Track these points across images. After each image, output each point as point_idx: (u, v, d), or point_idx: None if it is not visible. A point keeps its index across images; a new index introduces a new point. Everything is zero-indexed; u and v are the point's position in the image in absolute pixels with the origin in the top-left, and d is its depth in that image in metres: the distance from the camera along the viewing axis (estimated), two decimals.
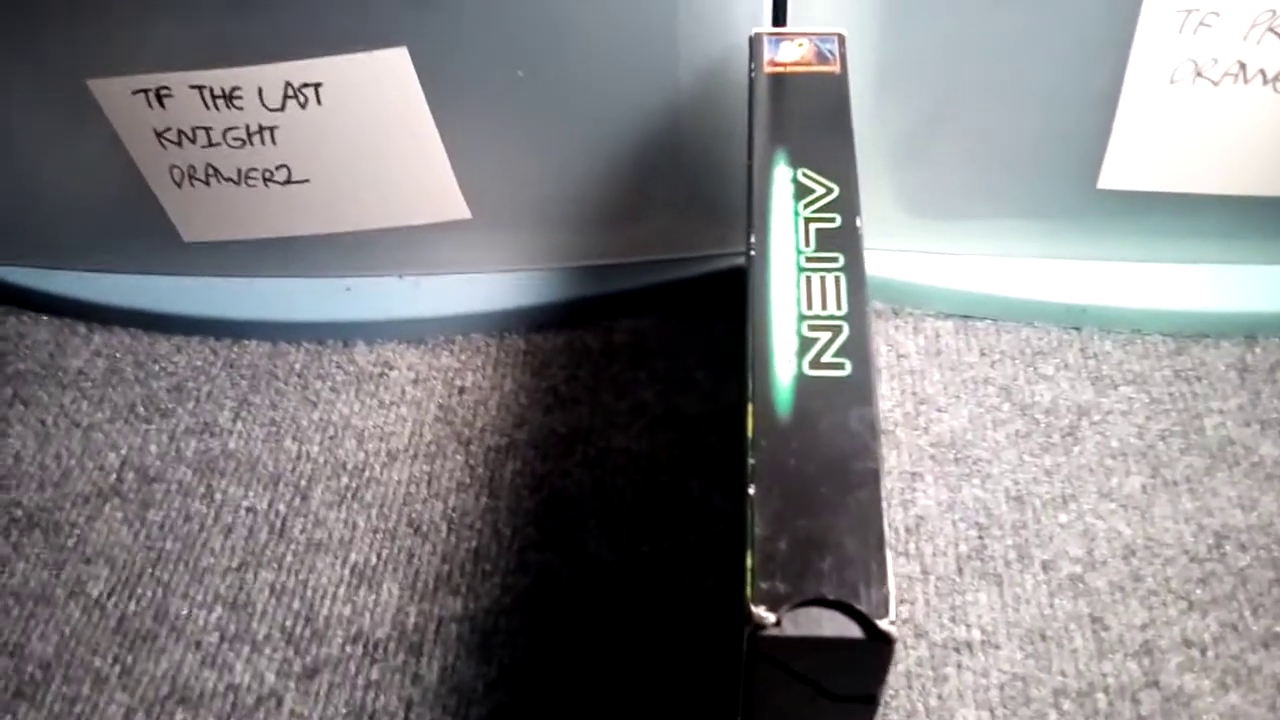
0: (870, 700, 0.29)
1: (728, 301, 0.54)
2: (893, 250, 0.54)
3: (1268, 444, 0.48)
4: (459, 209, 0.51)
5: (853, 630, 0.26)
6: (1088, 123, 0.48)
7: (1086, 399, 0.50)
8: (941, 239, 0.53)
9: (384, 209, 0.51)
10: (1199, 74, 0.45)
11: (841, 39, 0.42)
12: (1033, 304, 0.53)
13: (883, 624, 0.26)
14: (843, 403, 0.30)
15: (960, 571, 0.45)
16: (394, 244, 0.53)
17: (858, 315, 0.33)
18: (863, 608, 0.26)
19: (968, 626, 0.43)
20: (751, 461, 0.29)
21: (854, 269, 0.34)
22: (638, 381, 0.52)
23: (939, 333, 0.53)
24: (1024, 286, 0.53)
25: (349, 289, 0.55)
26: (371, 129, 0.48)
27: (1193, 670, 0.42)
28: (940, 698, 0.41)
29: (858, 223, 0.35)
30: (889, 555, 0.27)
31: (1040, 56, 0.46)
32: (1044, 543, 0.45)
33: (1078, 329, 0.53)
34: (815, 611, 0.27)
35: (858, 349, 0.32)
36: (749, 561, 0.27)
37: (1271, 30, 0.44)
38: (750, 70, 0.42)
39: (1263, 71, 0.45)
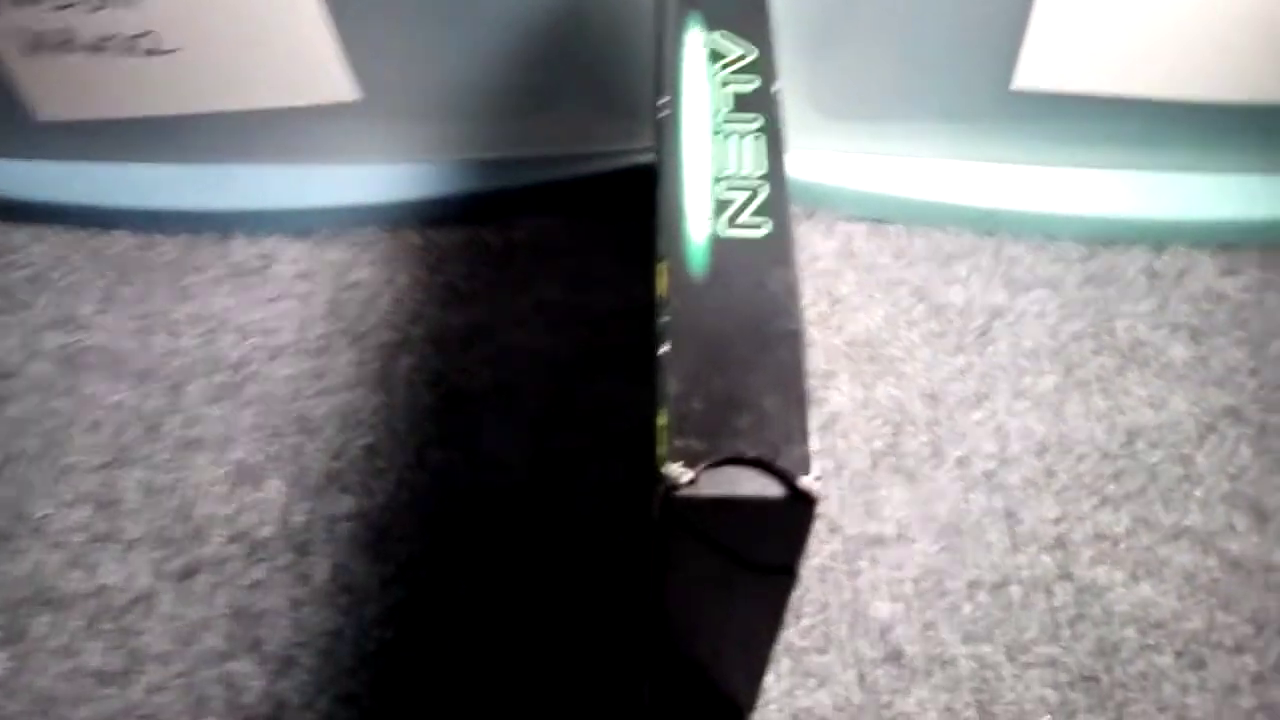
0: (788, 571, 0.27)
1: (637, 201, 0.52)
2: (804, 150, 0.52)
3: (1177, 346, 0.48)
4: (347, 90, 0.47)
5: (773, 489, 0.24)
6: (1004, 16, 0.46)
7: (999, 301, 0.49)
8: (854, 139, 0.52)
9: (264, 87, 0.47)
10: None
11: None
12: (946, 208, 0.52)
13: (804, 482, 0.24)
14: (761, 263, 0.28)
15: (874, 467, 0.43)
16: (277, 128, 0.49)
17: (777, 176, 0.31)
18: (783, 465, 0.24)
19: (881, 521, 0.42)
20: (664, 319, 0.27)
21: (773, 130, 0.32)
22: (541, 278, 0.49)
23: (851, 236, 0.52)
24: (937, 190, 0.52)
25: (227, 176, 0.51)
26: None
27: (1105, 563, 0.41)
28: (854, 591, 0.40)
29: (775, 87, 0.33)
30: (810, 414, 0.26)
31: None
32: (958, 440, 0.45)
33: (990, 233, 0.52)
34: (733, 470, 0.25)
35: (777, 209, 0.30)
36: (661, 420, 0.25)
37: None
38: None
39: None
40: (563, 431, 0.44)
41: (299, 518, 0.41)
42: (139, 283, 0.49)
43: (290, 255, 0.50)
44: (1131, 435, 0.45)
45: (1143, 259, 0.52)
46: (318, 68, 0.46)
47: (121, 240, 0.50)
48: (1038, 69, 0.47)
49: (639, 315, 0.48)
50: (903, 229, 0.52)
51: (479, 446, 0.43)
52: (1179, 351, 0.48)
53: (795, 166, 0.55)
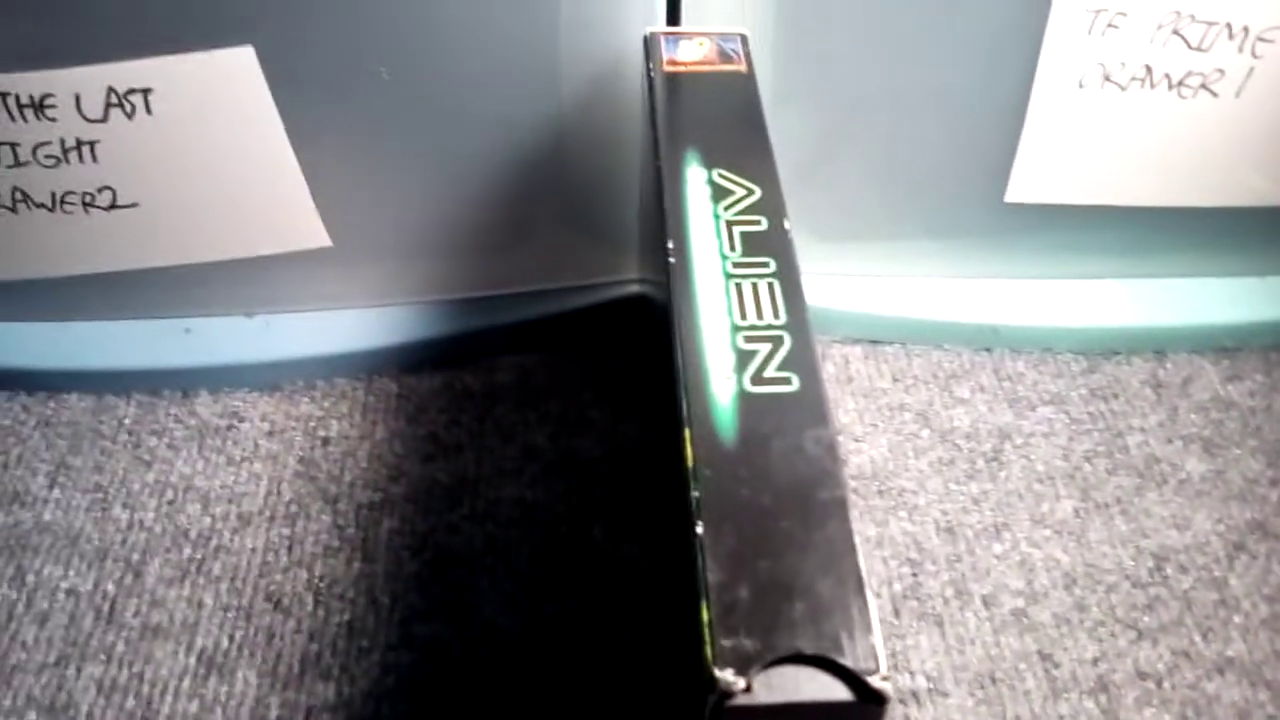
0: None
1: (621, 334, 0.50)
2: None
3: (1192, 460, 0.46)
4: (317, 236, 0.45)
5: (839, 691, 0.22)
6: (995, 132, 0.45)
7: (1006, 422, 0.47)
8: (847, 261, 0.50)
9: (228, 237, 0.45)
10: (1107, 78, 0.44)
11: (744, 38, 0.39)
12: (943, 326, 0.50)
13: (874, 681, 0.21)
14: (794, 422, 0.26)
15: (897, 613, 0.41)
16: (241, 278, 0.46)
17: (798, 324, 0.29)
18: (848, 662, 0.22)
19: (912, 674, 0.39)
20: (696, 494, 0.24)
21: (788, 273, 0.30)
22: (527, 424, 0.46)
23: (848, 359, 0.50)
24: (934, 308, 0.50)
25: (188, 331, 0.47)
26: (212, 143, 0.41)
27: (1151, 704, 0.38)
28: None
29: (786, 225, 0.31)
30: (871, 597, 0.23)
31: (947, 61, 0.43)
32: (981, 576, 0.42)
33: (989, 350, 0.50)
34: (791, 670, 0.22)
35: (804, 361, 0.27)
36: (705, 615, 0.22)
37: (1176, 33, 0.42)
38: (648, 70, 0.38)
39: (1168, 76, 0.44)
40: (558, 593, 0.41)
41: (274, 712, 0.37)
42: (93, 451, 0.45)
43: (259, 412, 0.47)
44: (1159, 560, 0.43)
45: (1146, 369, 0.50)
46: (288, 216, 0.44)
47: (73, 405, 0.47)
48: (1031, 182, 0.46)
49: (628, 458, 0.45)
50: (900, 349, 0.50)
51: (470, 616, 0.40)
52: (1195, 466, 0.46)
53: None
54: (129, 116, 0.40)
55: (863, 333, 0.50)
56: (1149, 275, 0.51)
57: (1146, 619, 0.41)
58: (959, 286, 0.50)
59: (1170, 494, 0.45)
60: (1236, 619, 0.41)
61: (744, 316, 0.28)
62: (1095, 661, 0.40)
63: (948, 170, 0.47)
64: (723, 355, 0.27)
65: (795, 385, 0.27)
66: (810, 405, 0.26)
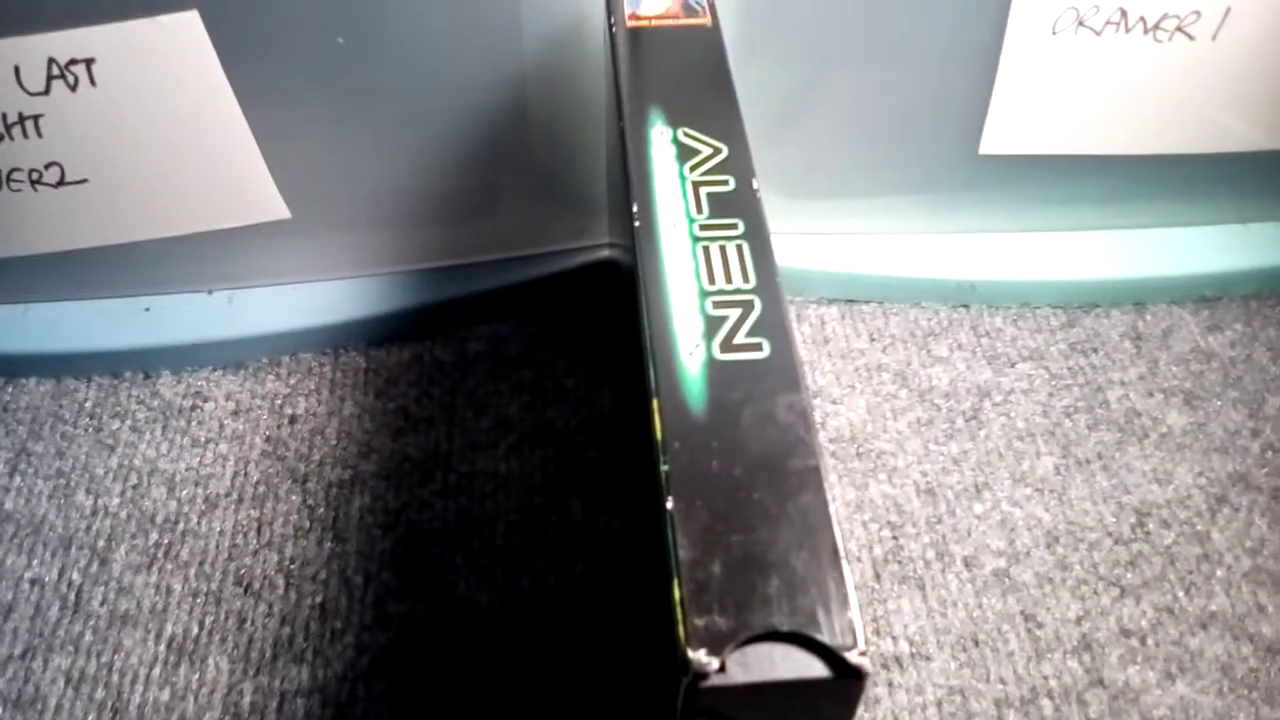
0: None
1: (593, 300, 0.49)
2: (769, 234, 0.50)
3: (1173, 413, 0.46)
4: (275, 208, 0.44)
5: (816, 668, 0.21)
6: (968, 82, 0.44)
7: (985, 379, 0.47)
8: (820, 219, 0.49)
9: (184, 212, 0.43)
10: (1081, 23, 0.42)
11: None
12: (920, 282, 0.49)
13: (851, 657, 0.21)
14: (766, 389, 0.25)
15: (878, 577, 0.40)
16: (200, 253, 0.45)
17: (768, 287, 0.28)
18: (825, 639, 0.21)
19: (894, 638, 0.38)
20: (665, 468, 0.24)
21: (756, 235, 0.29)
22: (499, 395, 0.45)
23: (824, 319, 0.49)
24: (910, 265, 0.49)
25: (148, 310, 0.46)
26: (161, 113, 0.40)
27: (1135, 661, 0.38)
28: None
29: (754, 184, 0.30)
30: (847, 570, 0.22)
31: (917, 9, 0.42)
32: (962, 537, 0.41)
33: (966, 306, 0.50)
34: (766, 649, 0.21)
35: (775, 325, 0.27)
36: (677, 593, 0.22)
37: None
38: (610, 26, 0.36)
39: (1143, 19, 0.43)
40: (535, 567, 0.40)
41: (247, 699, 0.36)
42: (55, 436, 0.44)
43: (223, 391, 0.45)
44: (1141, 515, 0.42)
45: (1125, 321, 0.49)
46: (245, 188, 0.42)
47: (31, 389, 0.45)
48: (1005, 133, 0.45)
49: (604, 428, 0.44)
50: (877, 308, 0.49)
51: (445, 594, 0.39)
52: (1176, 419, 0.46)
53: None
54: (72, 88, 0.38)
55: (838, 292, 0.50)
56: (1127, 226, 0.50)
57: (1129, 576, 0.41)
58: (935, 242, 0.50)
59: (1151, 448, 0.45)
60: (1219, 573, 0.41)
61: (712, 281, 0.28)
62: (1078, 620, 0.39)
63: (920, 123, 0.46)
64: (691, 322, 0.26)
65: (766, 351, 0.26)
66: (782, 371, 0.25)
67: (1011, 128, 0.45)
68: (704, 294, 0.27)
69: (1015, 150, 0.46)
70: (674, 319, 0.27)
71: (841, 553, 0.22)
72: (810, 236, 0.49)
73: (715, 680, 0.21)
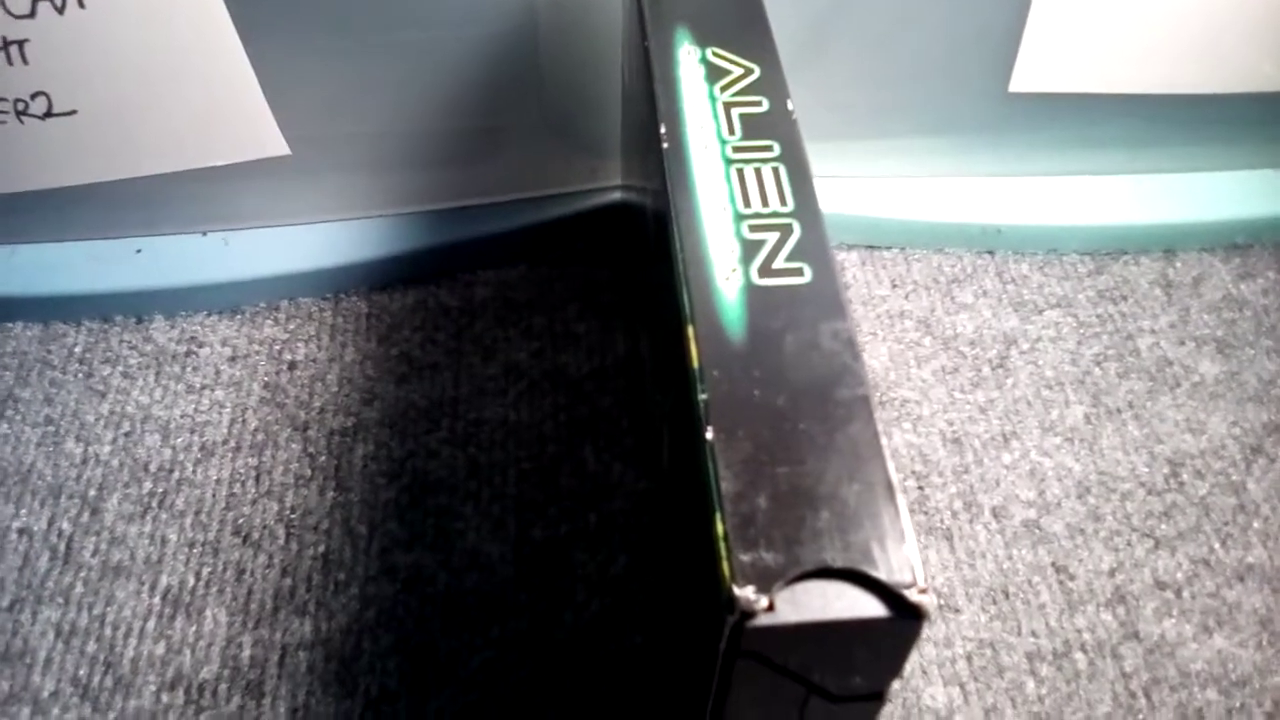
0: (877, 698, 0.22)
1: (605, 243, 0.47)
2: None
3: (1205, 361, 0.44)
4: (274, 144, 0.42)
5: (873, 607, 0.19)
6: (999, 16, 0.42)
7: (1011, 327, 0.45)
8: (841, 161, 0.47)
9: (178, 147, 0.41)
10: None
11: None
12: (943, 227, 0.47)
13: (911, 594, 0.19)
14: (808, 316, 0.23)
15: None
16: (194, 192, 0.43)
17: (808, 210, 0.26)
18: (882, 575, 0.19)
19: None
20: (703, 397, 0.22)
21: (794, 157, 0.27)
22: (508, 340, 0.44)
23: (844, 265, 0.47)
24: (933, 209, 0.47)
25: (139, 251, 0.44)
26: (154, 40, 0.38)
27: (1170, 614, 0.37)
28: (903, 677, 0.35)
29: (789, 105, 0.29)
30: (902, 503, 0.20)
31: None
32: (990, 487, 0.40)
33: (991, 252, 0.48)
34: (818, 586, 0.19)
35: (816, 250, 0.25)
36: (719, 528, 0.20)
37: None
38: None
39: None
40: (547, 516, 0.38)
41: (246, 651, 0.35)
42: (43, 382, 0.42)
43: (218, 336, 0.44)
44: (1175, 465, 0.41)
45: (1155, 269, 0.48)
46: (242, 122, 0.40)
47: (19, 334, 0.44)
48: (1037, 70, 0.43)
49: (618, 375, 0.43)
50: (898, 253, 0.48)
51: (453, 544, 0.37)
52: (1208, 367, 0.44)
53: None
54: (59, 11, 0.36)
55: (859, 237, 0.48)
56: (1157, 171, 0.48)
57: (1163, 527, 0.39)
58: (959, 186, 0.48)
59: (1184, 397, 0.43)
60: (1256, 524, 0.39)
61: (748, 204, 0.26)
62: (1112, 572, 0.38)
63: (947, 60, 0.44)
64: (726, 246, 0.25)
65: (807, 276, 0.24)
66: (825, 297, 0.24)
67: (1044, 64, 0.43)
68: (739, 217, 0.25)
69: (1046, 88, 0.44)
70: (708, 243, 0.25)
71: (895, 485, 0.21)
72: (830, 179, 0.47)
73: (763, 620, 0.19)
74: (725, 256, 0.24)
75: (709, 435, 0.21)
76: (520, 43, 0.41)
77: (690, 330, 0.23)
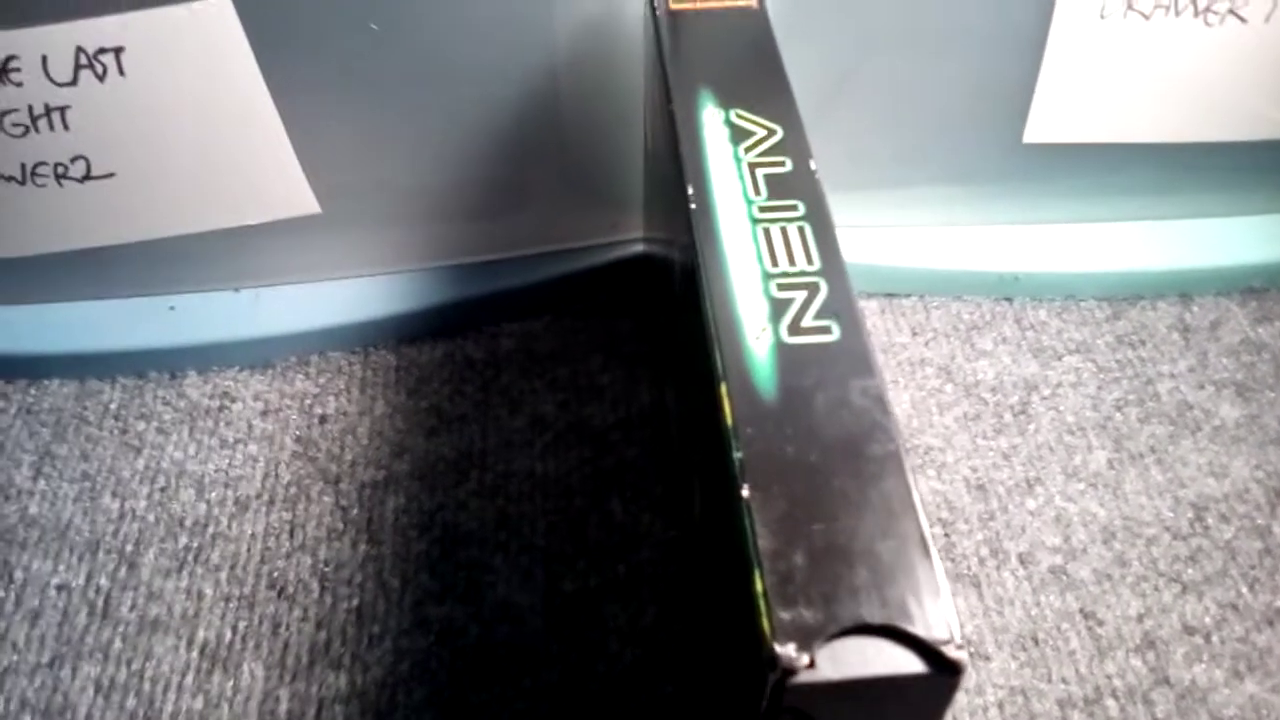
0: None
1: (627, 295, 0.48)
2: None
3: (1225, 405, 0.44)
4: (306, 203, 0.43)
5: (912, 663, 0.20)
6: (1013, 69, 0.43)
7: (1032, 372, 0.46)
8: (859, 211, 0.48)
9: (212, 207, 0.42)
10: (1130, 6, 0.41)
11: None
12: (962, 275, 0.48)
13: (949, 650, 0.20)
14: (838, 374, 0.24)
15: None
16: (227, 250, 0.44)
17: (834, 269, 0.27)
18: (920, 631, 0.20)
19: None
20: (738, 455, 0.22)
21: (818, 216, 0.28)
22: (535, 392, 0.44)
23: (864, 313, 0.48)
24: (951, 257, 0.48)
25: (173, 308, 0.45)
26: (190, 105, 0.39)
27: (1201, 660, 0.37)
28: None
29: (812, 165, 0.29)
30: (937, 558, 0.21)
31: None
32: (1016, 534, 0.40)
33: (1009, 299, 0.49)
34: (857, 643, 0.20)
35: (844, 308, 0.26)
36: (758, 585, 0.20)
37: None
38: (652, 11, 0.35)
39: (1194, 2, 0.42)
40: (576, 568, 0.39)
41: (284, 706, 0.35)
42: (79, 438, 0.43)
43: (251, 391, 0.44)
44: (1199, 510, 0.41)
45: (1172, 313, 0.48)
46: (275, 182, 0.41)
47: (55, 391, 0.44)
48: (1050, 121, 0.44)
49: (643, 425, 0.43)
50: (918, 301, 0.48)
51: (485, 596, 0.38)
52: (1229, 411, 0.44)
53: None
54: (100, 78, 0.37)
55: (878, 286, 0.48)
56: (1172, 217, 0.49)
57: (1190, 571, 0.39)
58: (976, 234, 0.48)
59: (1205, 441, 0.43)
60: None
61: (775, 263, 0.26)
62: (1140, 618, 0.38)
63: (963, 111, 0.44)
64: (756, 305, 0.25)
65: (836, 334, 0.25)
66: (854, 354, 0.24)
67: (1057, 116, 0.44)
68: (767, 276, 0.26)
69: (1060, 139, 0.45)
70: (738, 302, 0.25)
71: (929, 540, 0.21)
72: (850, 229, 0.48)
73: (804, 677, 0.19)
74: (755, 315, 0.25)
75: (745, 493, 0.22)
76: (543, 100, 0.42)
77: (723, 389, 0.24)
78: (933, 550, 0.21)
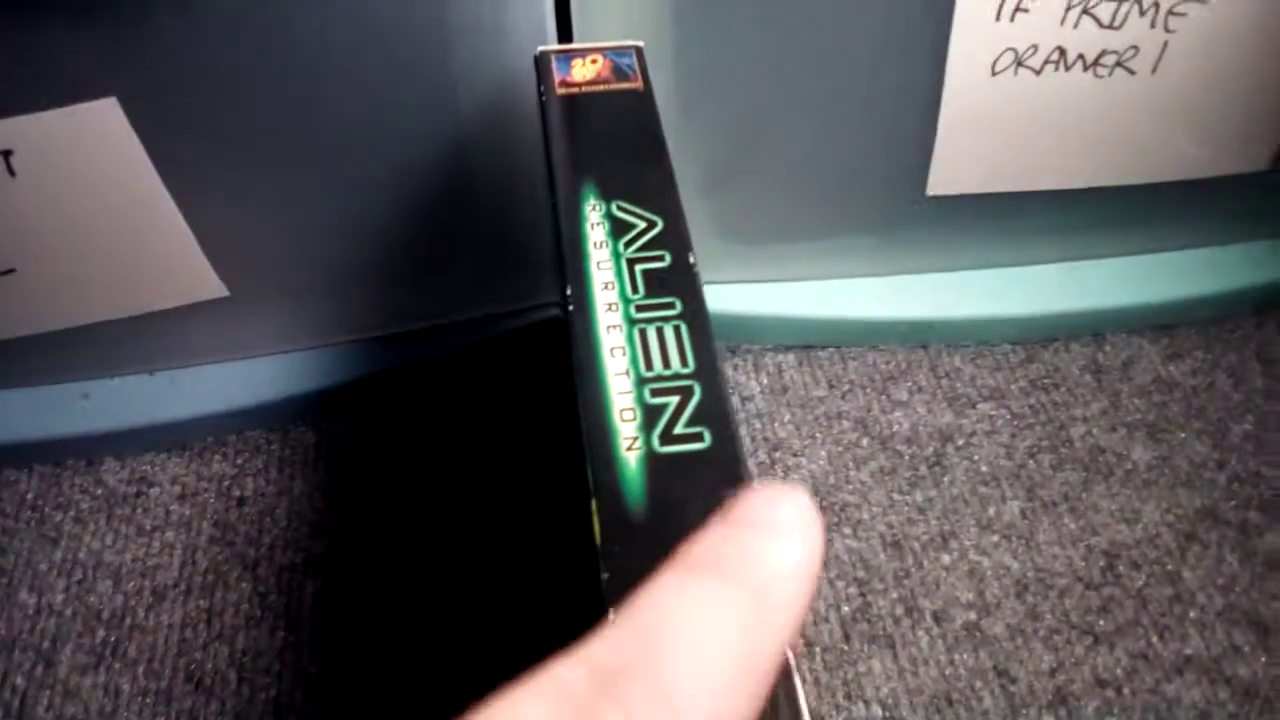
0: None
1: (549, 357, 0.48)
2: (719, 283, 0.49)
3: (1137, 448, 0.45)
4: (212, 286, 0.43)
5: None
6: (911, 126, 0.44)
7: (947, 422, 0.46)
8: (770, 266, 0.49)
9: (117, 295, 0.42)
10: (1020, 63, 0.42)
11: (639, 51, 0.37)
12: (876, 324, 0.49)
13: None
14: (707, 485, 0.24)
15: (847, 637, 0.39)
16: (140, 334, 0.44)
17: (708, 370, 0.27)
18: None
19: (866, 702, 0.38)
20: (605, 576, 0.23)
21: (695, 314, 0.28)
22: (457, 460, 0.44)
23: (781, 367, 0.48)
24: (865, 307, 0.49)
25: (87, 396, 0.45)
26: (85, 200, 0.39)
27: (1112, 713, 0.37)
28: None
29: (691, 259, 0.30)
30: (799, 683, 0.21)
31: (855, 57, 0.41)
32: (931, 590, 0.41)
33: (924, 347, 0.49)
34: None
35: (715, 413, 0.26)
36: None
37: (1087, 13, 0.41)
38: (540, 93, 0.35)
39: (1082, 57, 0.42)
40: (507, 648, 0.39)
41: None
42: None
43: (169, 474, 0.44)
44: (1110, 558, 0.42)
45: (1085, 354, 0.49)
46: (179, 268, 0.41)
47: None
48: (951, 174, 0.45)
49: (569, 492, 0.43)
50: (834, 353, 0.49)
51: (409, 680, 0.38)
52: (1140, 454, 0.45)
53: (712, 300, 0.51)
54: None
55: (795, 338, 0.49)
56: (1081, 258, 0.50)
57: (1102, 622, 0.40)
58: (889, 284, 0.49)
59: (1117, 486, 0.44)
60: (1192, 614, 0.40)
61: (650, 366, 0.27)
62: (1053, 672, 0.38)
63: (866, 168, 0.45)
64: (629, 414, 0.26)
65: (707, 441, 0.25)
66: (724, 463, 0.25)
67: (957, 168, 0.45)
68: (641, 381, 0.26)
69: (962, 190, 0.46)
70: (612, 412, 0.26)
71: (793, 667, 0.21)
72: (765, 283, 0.49)
73: None
74: (627, 425, 0.25)
75: (611, 616, 0.22)
76: (451, 174, 0.42)
77: (593, 504, 0.24)
78: (796, 677, 0.21)
